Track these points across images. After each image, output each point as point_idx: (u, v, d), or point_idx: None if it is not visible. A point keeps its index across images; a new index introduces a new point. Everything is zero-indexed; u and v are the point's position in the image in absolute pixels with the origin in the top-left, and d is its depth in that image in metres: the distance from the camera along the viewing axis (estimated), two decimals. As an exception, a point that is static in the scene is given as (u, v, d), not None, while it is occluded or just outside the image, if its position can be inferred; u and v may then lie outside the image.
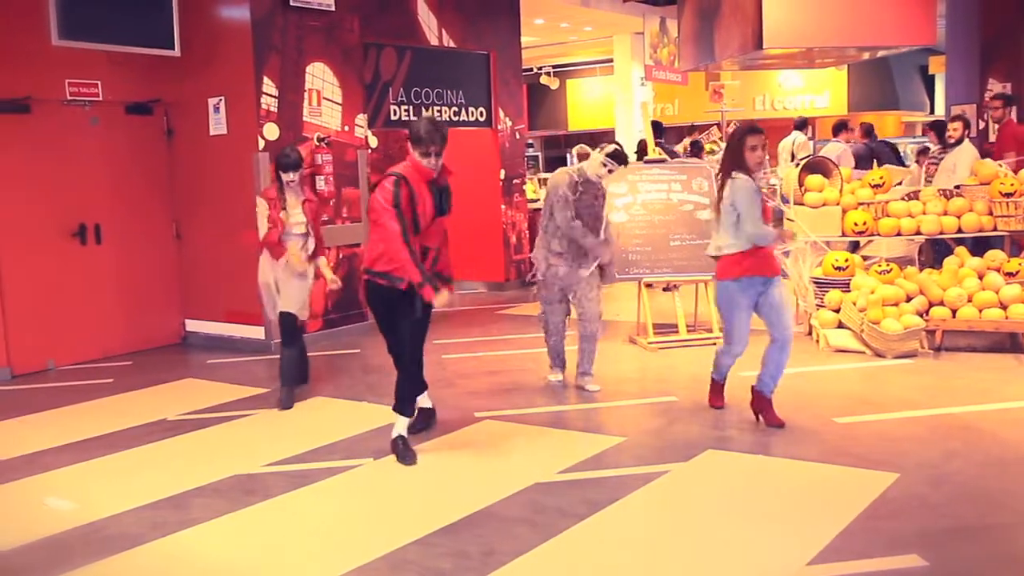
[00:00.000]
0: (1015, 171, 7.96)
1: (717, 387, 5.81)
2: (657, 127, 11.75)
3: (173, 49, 8.00)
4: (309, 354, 7.57)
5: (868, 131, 12.42)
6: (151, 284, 8.53)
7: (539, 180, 14.65)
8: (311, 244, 6.31)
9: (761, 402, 5.44)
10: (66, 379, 7.42)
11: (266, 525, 4.27)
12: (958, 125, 9.22)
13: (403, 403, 5.15)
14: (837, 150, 10.98)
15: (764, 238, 5.17)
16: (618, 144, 6.23)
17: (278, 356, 7.81)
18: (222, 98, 8.16)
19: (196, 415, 6.15)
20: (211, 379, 7.21)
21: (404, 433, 5.14)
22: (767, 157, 5.55)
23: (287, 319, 6.27)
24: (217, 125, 8.24)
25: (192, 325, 8.75)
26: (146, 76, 8.28)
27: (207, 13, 8.17)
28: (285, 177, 6.18)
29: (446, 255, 5.26)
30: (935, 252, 8.43)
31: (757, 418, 5.46)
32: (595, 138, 22.21)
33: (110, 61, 7.96)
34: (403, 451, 5.07)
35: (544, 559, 3.76)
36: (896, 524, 3.93)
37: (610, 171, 6.05)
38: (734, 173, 5.20)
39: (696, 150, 14.06)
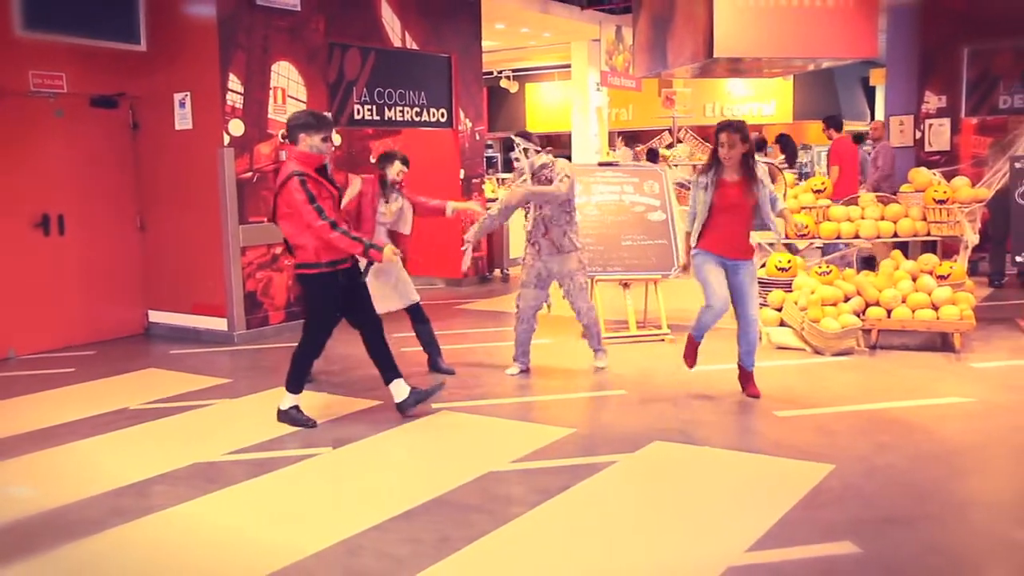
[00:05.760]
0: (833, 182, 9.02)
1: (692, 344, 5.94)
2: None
3: (139, 43, 7.87)
4: (271, 345, 7.52)
5: (786, 142, 12.86)
6: (114, 275, 8.38)
7: (498, 180, 14.63)
8: (408, 215, 6.42)
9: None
10: (27, 368, 7.28)
11: (226, 512, 4.24)
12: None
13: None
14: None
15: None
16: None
17: (240, 347, 7.82)
18: (187, 93, 8.05)
19: (158, 404, 6.07)
20: (174, 369, 7.12)
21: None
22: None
23: (416, 307, 6.56)
24: (182, 120, 8.12)
25: (155, 316, 8.62)
26: (111, 70, 8.13)
27: (173, 9, 8.04)
28: (403, 168, 6.31)
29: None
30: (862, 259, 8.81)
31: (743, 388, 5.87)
32: (552, 140, 22.32)
33: (75, 53, 7.81)
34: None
35: (497, 545, 3.78)
36: (831, 513, 4.01)
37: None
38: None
39: (652, 157, 14.15)
